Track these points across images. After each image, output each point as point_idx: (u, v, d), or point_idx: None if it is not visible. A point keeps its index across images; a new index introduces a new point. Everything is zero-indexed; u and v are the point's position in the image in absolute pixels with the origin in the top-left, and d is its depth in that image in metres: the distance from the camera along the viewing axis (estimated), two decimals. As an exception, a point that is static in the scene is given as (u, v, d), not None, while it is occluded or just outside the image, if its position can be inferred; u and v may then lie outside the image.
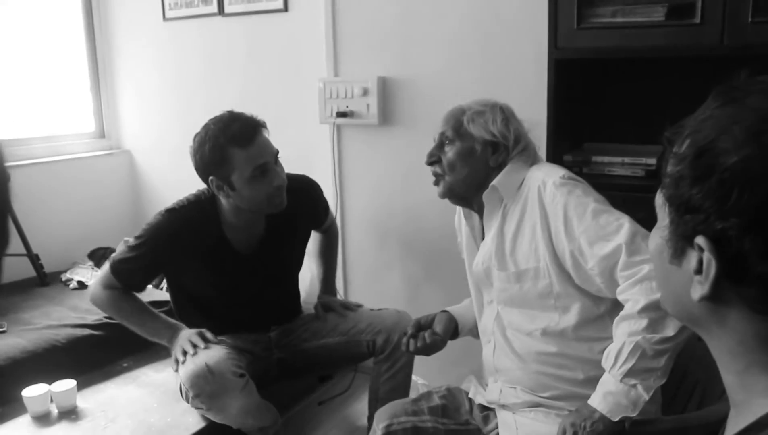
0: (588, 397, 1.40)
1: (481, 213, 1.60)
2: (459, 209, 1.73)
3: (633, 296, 1.31)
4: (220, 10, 3.05)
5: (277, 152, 1.97)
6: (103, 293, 2.08)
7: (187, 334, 2.00)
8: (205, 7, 3.10)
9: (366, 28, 2.65)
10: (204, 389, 1.85)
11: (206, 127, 1.93)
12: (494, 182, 1.53)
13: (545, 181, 1.47)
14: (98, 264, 3.21)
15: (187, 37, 3.23)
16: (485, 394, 1.64)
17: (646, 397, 1.30)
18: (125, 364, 2.43)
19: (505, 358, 1.57)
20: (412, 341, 1.66)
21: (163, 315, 2.12)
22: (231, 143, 1.87)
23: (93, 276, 3.07)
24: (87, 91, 3.56)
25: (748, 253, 0.59)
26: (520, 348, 1.54)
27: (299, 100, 2.87)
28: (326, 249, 2.40)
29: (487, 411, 1.65)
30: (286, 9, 2.87)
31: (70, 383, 2.12)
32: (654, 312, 1.28)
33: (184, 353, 1.95)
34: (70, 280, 3.02)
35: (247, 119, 1.92)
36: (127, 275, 2.05)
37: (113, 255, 2.09)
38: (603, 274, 1.38)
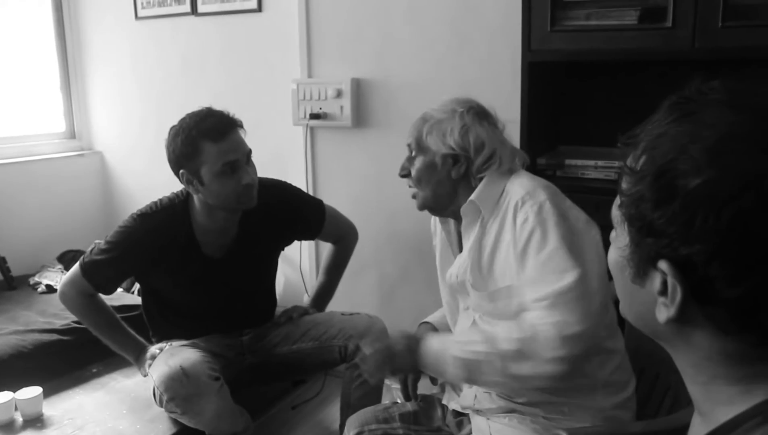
0: (564, 404, 1.40)
1: (459, 220, 1.57)
2: (433, 227, 1.71)
3: (542, 319, 1.28)
4: (194, 10, 3.02)
5: (250, 152, 1.96)
6: (75, 298, 2.05)
7: (153, 352, 2.03)
8: (178, 7, 3.06)
9: (340, 30, 2.63)
10: (179, 392, 1.82)
11: (182, 120, 1.94)
12: (473, 197, 1.48)
13: (524, 200, 1.41)
14: (68, 267, 3.14)
15: (160, 37, 3.19)
16: (459, 399, 1.62)
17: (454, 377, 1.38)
18: (94, 370, 2.38)
19: None
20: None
21: (133, 332, 2.11)
22: (203, 136, 1.87)
23: (63, 279, 3.01)
24: (57, 91, 3.50)
25: (715, 279, 0.58)
26: None
27: (272, 102, 2.84)
28: (330, 262, 2.34)
29: (461, 416, 1.63)
30: (260, 9, 2.84)
31: (35, 390, 2.07)
32: (529, 346, 1.26)
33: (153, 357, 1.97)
34: (39, 283, 2.96)
35: (222, 115, 1.93)
36: (98, 277, 2.02)
37: (84, 255, 2.05)
38: (516, 307, 1.36)
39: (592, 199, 1.84)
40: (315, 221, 2.22)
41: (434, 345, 1.41)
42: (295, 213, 2.15)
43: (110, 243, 1.99)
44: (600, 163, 2.00)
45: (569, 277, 1.30)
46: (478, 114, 1.52)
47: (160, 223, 1.98)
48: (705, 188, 0.56)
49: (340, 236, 2.31)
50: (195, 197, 1.97)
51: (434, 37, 2.45)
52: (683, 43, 1.72)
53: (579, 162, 2.03)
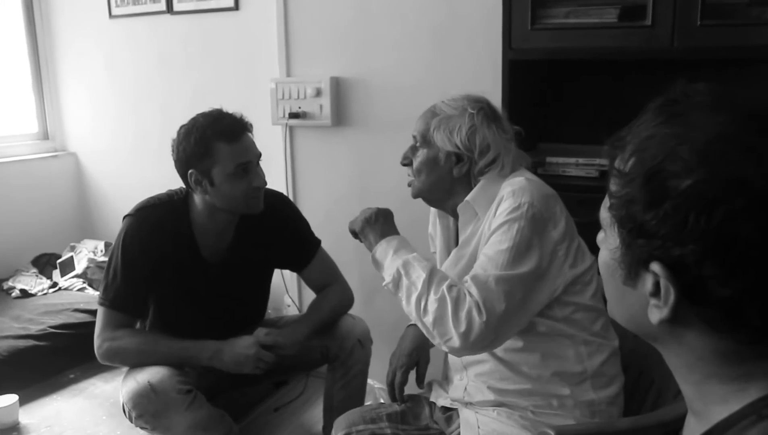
0: (553, 395, 1.42)
1: (456, 216, 1.58)
2: (433, 217, 1.72)
3: (471, 289, 1.34)
4: (169, 8, 2.98)
5: (260, 155, 1.94)
6: (115, 340, 1.89)
7: (243, 352, 1.87)
8: (153, 5, 3.02)
9: (319, 28, 2.62)
10: (147, 409, 1.78)
11: (194, 119, 1.90)
12: (468, 198, 1.49)
13: (507, 196, 1.42)
14: (42, 271, 3.10)
15: (135, 36, 3.14)
16: (449, 392, 1.62)
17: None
18: (72, 375, 2.35)
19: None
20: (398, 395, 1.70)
21: (185, 340, 1.94)
22: (218, 137, 1.84)
23: (37, 284, 2.96)
24: (29, 91, 3.43)
25: (707, 279, 0.58)
26: None
27: (251, 101, 2.81)
28: (313, 303, 2.17)
29: (449, 412, 1.63)
30: (237, 7, 2.82)
31: (11, 398, 2.03)
32: (444, 319, 1.32)
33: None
34: (13, 288, 2.91)
35: (236, 117, 1.91)
36: (125, 300, 1.91)
37: (99, 295, 1.95)
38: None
39: (574, 197, 1.86)
40: (306, 247, 2.15)
41: (386, 252, 1.47)
42: (290, 229, 2.09)
43: (114, 255, 1.92)
44: (581, 160, 2.01)
45: (497, 278, 1.34)
46: (488, 116, 1.52)
47: (160, 218, 1.93)
48: (695, 189, 0.57)
49: (326, 282, 2.18)
50: (197, 197, 1.93)
51: (414, 36, 2.44)
52: (662, 41, 1.74)
53: (560, 160, 2.04)
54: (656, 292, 0.62)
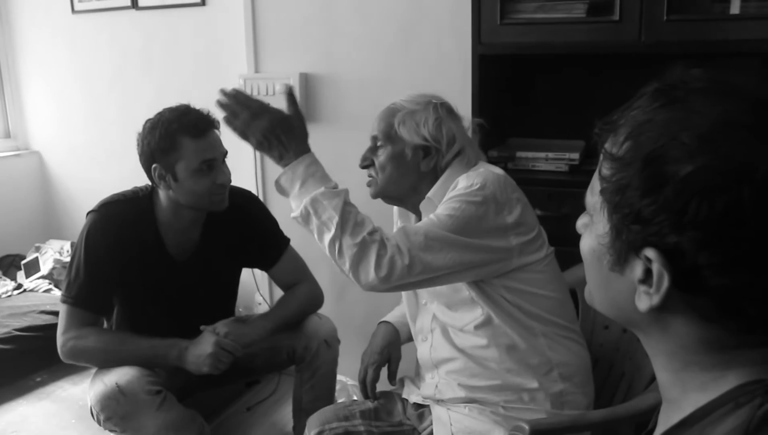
0: (524, 387, 1.43)
1: (418, 214, 1.58)
2: (396, 217, 1.71)
3: (396, 235, 1.35)
4: (134, 4, 2.94)
5: (226, 153, 1.91)
6: (80, 338, 1.84)
7: (202, 352, 1.83)
8: (117, 0, 2.96)
9: (287, 23, 2.60)
10: (116, 411, 1.75)
11: (160, 113, 1.87)
12: (429, 194, 1.49)
13: (462, 180, 1.44)
14: (6, 272, 3.03)
15: (99, 32, 3.09)
16: (421, 389, 1.63)
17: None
18: (38, 379, 2.31)
19: (444, 351, 1.55)
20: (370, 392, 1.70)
21: (153, 339, 1.89)
22: (183, 131, 1.82)
23: (1, 286, 2.89)
24: (-11, 88, 3.36)
25: (703, 267, 0.57)
26: (458, 343, 1.53)
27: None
28: (281, 300, 2.15)
29: (422, 408, 1.64)
30: (203, 2, 2.79)
31: (-25, 403, 1.98)
32: (366, 256, 1.31)
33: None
34: (-25, 290, 2.84)
35: (202, 113, 1.88)
36: (90, 297, 1.86)
37: (62, 294, 1.90)
38: None
39: (544, 191, 1.88)
40: (275, 245, 2.12)
41: (293, 182, 1.39)
42: (259, 227, 2.07)
43: (78, 252, 1.87)
44: (550, 155, 2.02)
45: (448, 254, 1.35)
46: (449, 110, 1.54)
47: (124, 214, 1.89)
48: (698, 175, 0.55)
49: (295, 281, 2.16)
50: (161, 193, 1.90)
51: (383, 31, 2.43)
52: (630, 36, 1.75)
53: (530, 154, 2.05)
54: (646, 279, 0.60)
